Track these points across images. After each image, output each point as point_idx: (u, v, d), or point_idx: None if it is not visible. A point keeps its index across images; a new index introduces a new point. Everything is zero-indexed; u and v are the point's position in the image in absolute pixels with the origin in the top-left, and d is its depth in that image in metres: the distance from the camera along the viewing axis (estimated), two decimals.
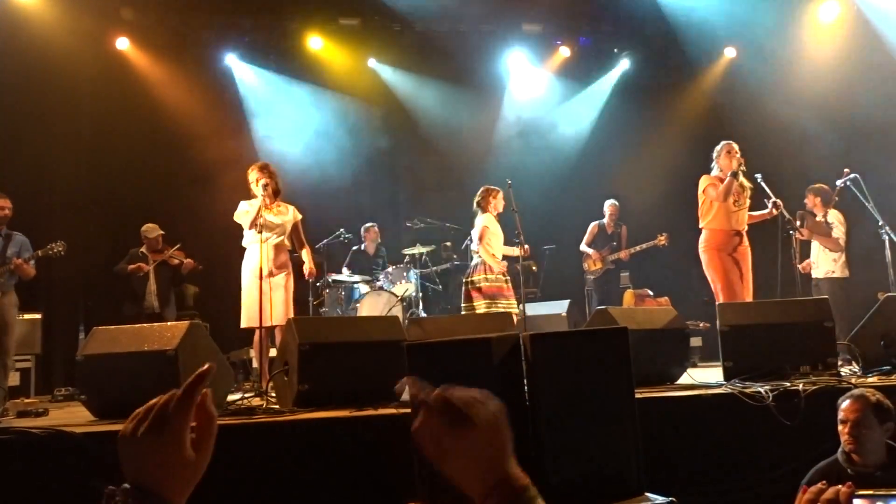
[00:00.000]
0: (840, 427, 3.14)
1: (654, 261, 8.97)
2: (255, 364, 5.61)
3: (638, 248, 8.45)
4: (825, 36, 9.51)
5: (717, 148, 6.04)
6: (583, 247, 8.70)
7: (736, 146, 5.94)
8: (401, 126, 9.75)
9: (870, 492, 0.89)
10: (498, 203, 6.69)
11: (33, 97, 7.80)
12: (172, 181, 8.73)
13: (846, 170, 6.68)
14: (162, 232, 7.47)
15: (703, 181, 5.98)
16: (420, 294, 8.03)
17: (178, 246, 7.45)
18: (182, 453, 0.91)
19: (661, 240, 8.31)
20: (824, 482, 0.92)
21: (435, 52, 9.59)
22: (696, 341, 7.60)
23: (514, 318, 6.47)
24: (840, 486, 0.90)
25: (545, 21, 9.98)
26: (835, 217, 7.11)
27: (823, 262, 7.14)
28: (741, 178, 5.83)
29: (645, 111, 10.07)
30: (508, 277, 6.63)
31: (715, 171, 6.00)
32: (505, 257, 6.73)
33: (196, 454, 0.93)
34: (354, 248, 8.70)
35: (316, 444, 3.58)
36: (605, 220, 8.70)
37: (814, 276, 7.16)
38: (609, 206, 8.71)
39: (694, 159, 7.00)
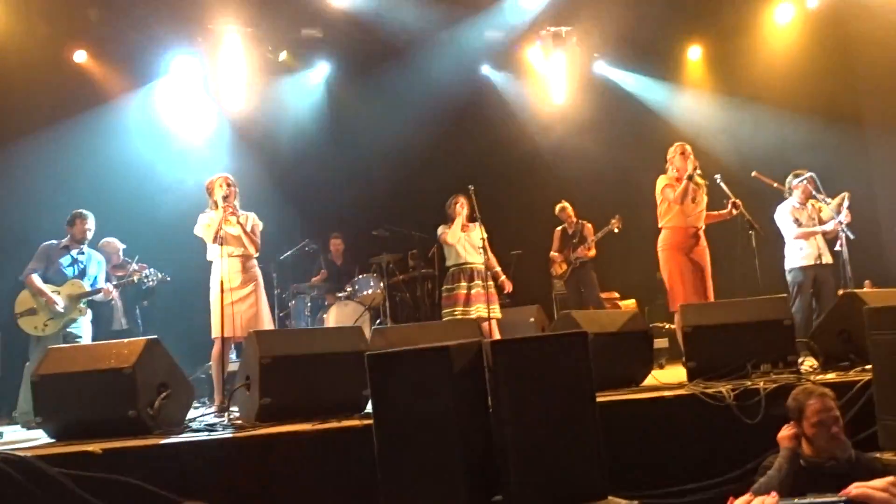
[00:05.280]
0: (815, 430, 3.11)
1: (624, 262, 9.01)
2: (215, 378, 5.52)
3: (592, 239, 8.37)
4: (781, 37, 9.75)
5: (671, 149, 6.09)
6: (552, 253, 8.71)
7: (689, 147, 6.00)
8: (363, 134, 9.70)
9: (795, 500, 0.91)
10: None
11: None
12: (135, 193, 8.57)
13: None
14: (122, 246, 7.35)
15: (661, 182, 6.03)
16: (387, 303, 8.00)
17: (137, 258, 7.27)
18: None
19: (615, 223, 8.24)
20: (751, 494, 0.92)
21: (397, 60, 9.56)
22: (662, 342, 7.63)
23: (496, 324, 6.54)
24: (765, 496, 0.90)
25: (508, 28, 10.03)
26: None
27: (826, 249, 6.73)
28: (696, 178, 5.88)
29: (605, 110, 10.18)
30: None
31: (671, 172, 6.05)
32: (469, 264, 6.79)
33: None
34: (321, 258, 8.65)
35: (278, 459, 3.53)
36: (565, 224, 8.66)
37: (822, 262, 6.65)
38: (558, 209, 8.66)
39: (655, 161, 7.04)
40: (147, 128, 8.92)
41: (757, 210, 6.49)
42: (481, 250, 6.74)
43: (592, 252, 8.37)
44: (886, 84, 9.14)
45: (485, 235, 6.79)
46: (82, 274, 6.27)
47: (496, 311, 6.67)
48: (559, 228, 8.69)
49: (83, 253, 6.33)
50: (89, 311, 6.31)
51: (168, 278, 7.21)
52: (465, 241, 6.77)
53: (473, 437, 3.20)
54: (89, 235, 6.35)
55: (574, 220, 8.60)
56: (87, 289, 6.23)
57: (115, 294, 6.95)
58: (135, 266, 7.11)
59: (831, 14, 9.34)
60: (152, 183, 8.53)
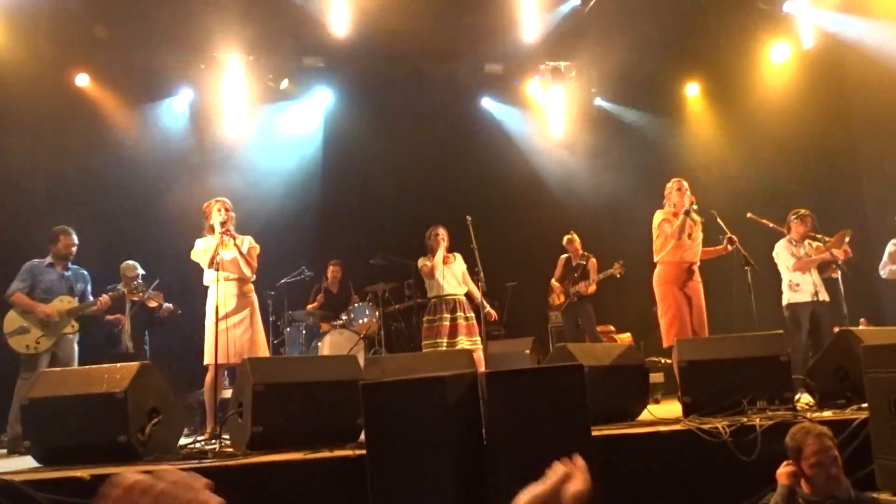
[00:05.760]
0: (814, 471, 3.09)
1: (620, 296, 9.00)
2: (207, 405, 5.46)
3: (594, 277, 8.34)
4: (778, 75, 9.90)
5: (668, 185, 6.12)
6: (552, 281, 8.67)
7: (685, 183, 6.03)
8: (362, 162, 9.75)
9: None
10: None
11: None
12: (133, 217, 8.58)
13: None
14: (142, 272, 7.31)
15: (657, 217, 6.05)
16: (382, 332, 7.96)
17: (157, 283, 7.22)
18: None
19: (617, 268, 8.17)
20: None
21: (398, 91, 9.65)
22: (658, 377, 7.60)
23: (481, 355, 6.52)
24: None
25: (507, 61, 10.14)
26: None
27: (822, 287, 6.85)
28: (692, 214, 5.90)
29: (604, 143, 10.26)
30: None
31: (667, 208, 6.07)
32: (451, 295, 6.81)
33: None
34: (316, 286, 8.63)
35: (269, 489, 3.48)
36: (570, 253, 8.63)
37: (819, 299, 6.77)
38: (565, 240, 8.62)
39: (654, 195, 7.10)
40: (148, 152, 8.95)
41: (752, 246, 6.52)
42: (463, 282, 6.79)
43: (592, 289, 8.34)
44: (881, 123, 9.24)
45: (464, 268, 6.83)
46: (70, 290, 6.21)
47: (477, 343, 6.61)
48: (564, 256, 8.65)
49: (68, 269, 6.27)
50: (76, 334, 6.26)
51: (179, 311, 7.20)
52: (447, 272, 6.77)
53: (467, 468, 3.17)
54: (74, 251, 6.29)
55: (580, 252, 8.55)
56: (77, 304, 6.18)
57: (124, 319, 7.00)
58: (150, 292, 7.09)
59: (826, 53, 9.47)
60: (152, 205, 8.56)
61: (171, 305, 7.23)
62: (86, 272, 6.48)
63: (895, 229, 7.15)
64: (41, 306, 5.95)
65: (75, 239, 6.28)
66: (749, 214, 6.96)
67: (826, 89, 9.56)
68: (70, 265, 6.34)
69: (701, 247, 6.04)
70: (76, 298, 6.21)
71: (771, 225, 6.96)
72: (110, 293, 6.50)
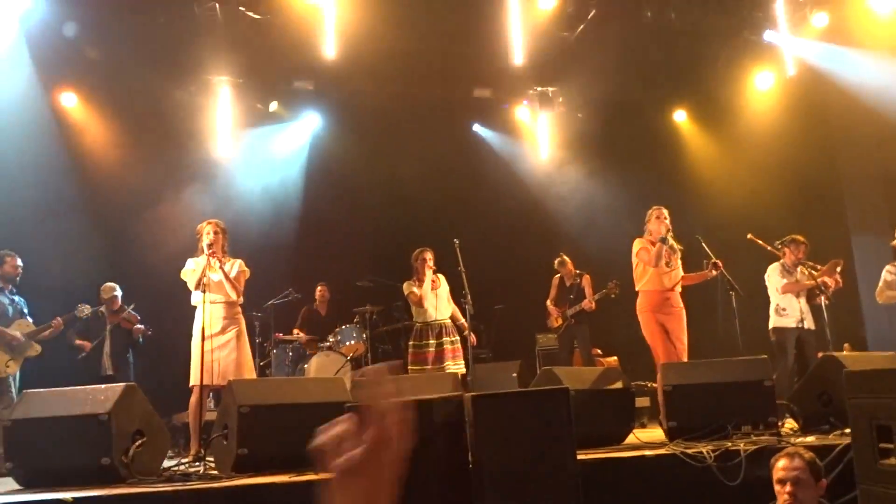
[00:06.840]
0: (778, 487, 3.15)
1: (608, 319, 9.00)
2: (192, 427, 5.42)
3: (593, 297, 8.21)
4: (763, 102, 10.06)
5: (648, 213, 6.15)
6: (548, 303, 8.57)
7: (665, 211, 6.07)
8: (349, 184, 9.78)
9: None
10: None
11: None
12: (122, 237, 8.56)
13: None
14: (118, 293, 7.32)
15: (636, 245, 6.08)
16: (369, 354, 7.94)
17: (133, 306, 7.30)
18: None
19: (612, 288, 8.08)
20: None
21: (387, 115, 9.70)
22: (644, 401, 7.59)
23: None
24: None
25: (496, 86, 10.25)
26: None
27: (809, 314, 6.95)
28: (671, 241, 5.93)
29: (591, 167, 10.35)
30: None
31: (647, 235, 6.10)
32: (438, 320, 6.79)
33: None
34: (305, 307, 8.60)
35: None
36: (562, 274, 8.52)
37: (804, 326, 6.87)
38: (556, 263, 8.53)
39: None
40: (133, 173, 8.92)
41: (738, 272, 6.57)
42: (449, 305, 6.75)
43: (593, 305, 8.17)
44: (861, 149, 9.40)
45: (448, 289, 6.80)
46: (21, 314, 6.16)
47: (461, 367, 6.58)
48: (556, 277, 8.57)
49: (14, 292, 6.21)
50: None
51: (150, 332, 7.22)
52: (435, 297, 6.73)
53: (453, 491, 3.17)
54: (20, 272, 6.21)
55: (573, 272, 8.44)
56: (35, 326, 6.12)
57: (88, 346, 7.00)
58: (125, 313, 7.12)
59: (808, 82, 9.62)
60: (136, 226, 8.54)
61: (142, 326, 7.23)
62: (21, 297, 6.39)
63: (883, 255, 7.22)
64: (7, 331, 5.87)
65: (20, 260, 6.21)
66: (749, 236, 6.99)
67: (809, 116, 9.71)
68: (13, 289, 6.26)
69: (681, 273, 6.08)
70: (31, 321, 6.15)
71: (769, 248, 7.01)
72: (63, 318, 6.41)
